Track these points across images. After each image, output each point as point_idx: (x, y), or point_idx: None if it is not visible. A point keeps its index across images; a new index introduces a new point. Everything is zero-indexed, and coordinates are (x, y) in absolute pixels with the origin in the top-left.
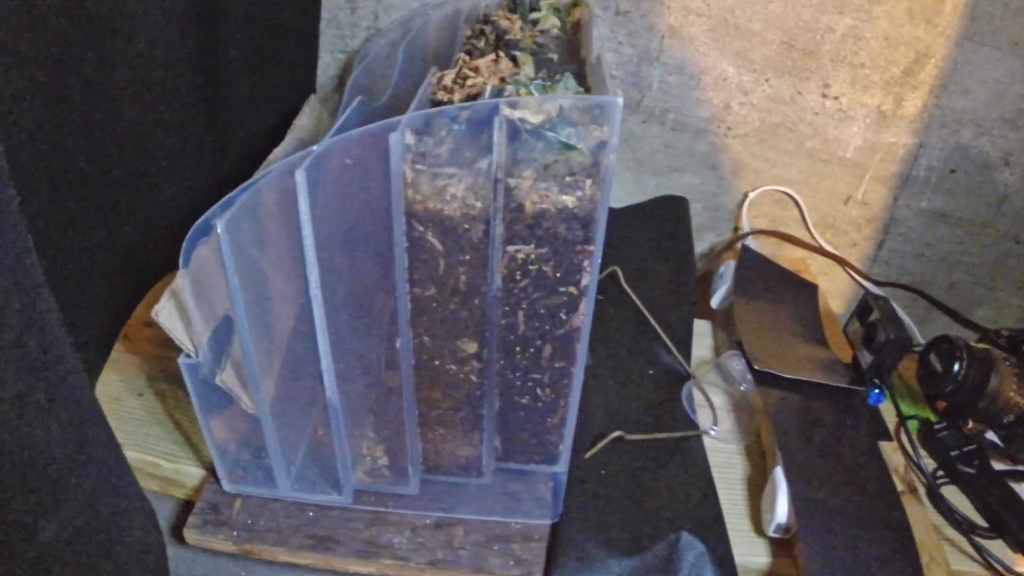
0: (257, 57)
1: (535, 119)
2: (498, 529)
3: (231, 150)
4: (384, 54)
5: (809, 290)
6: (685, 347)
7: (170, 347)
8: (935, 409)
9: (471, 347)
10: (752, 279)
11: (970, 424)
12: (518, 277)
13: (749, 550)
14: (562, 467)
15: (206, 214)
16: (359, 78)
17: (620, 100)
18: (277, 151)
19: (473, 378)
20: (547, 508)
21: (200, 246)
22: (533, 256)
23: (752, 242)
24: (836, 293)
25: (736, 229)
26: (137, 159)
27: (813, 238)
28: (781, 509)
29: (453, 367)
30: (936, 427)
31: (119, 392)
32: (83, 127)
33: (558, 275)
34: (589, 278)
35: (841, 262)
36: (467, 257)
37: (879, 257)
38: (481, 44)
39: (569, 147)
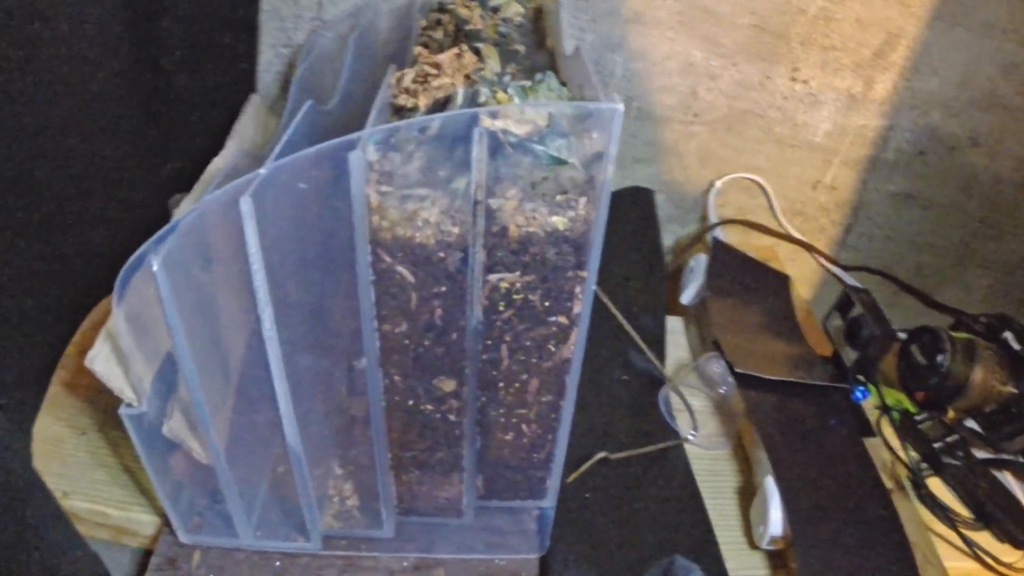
0: (192, 52)
1: (520, 130)
2: (482, 567)
3: (170, 154)
4: (331, 49)
5: (781, 281)
6: (659, 349)
7: None
8: (914, 400)
9: (448, 385)
10: (725, 274)
11: (950, 414)
12: (501, 308)
13: (743, 564)
14: (549, 501)
15: (140, 249)
16: (305, 76)
17: (621, 107)
18: (217, 161)
19: (451, 417)
20: (533, 542)
21: (136, 280)
22: (518, 285)
23: (720, 232)
24: (804, 279)
25: (703, 219)
26: (66, 168)
27: (781, 225)
28: (775, 521)
29: (429, 407)
30: (917, 418)
31: (60, 432)
32: (3, 134)
33: (546, 304)
34: (581, 306)
35: (809, 248)
36: (443, 289)
37: (847, 242)
38: (439, 36)
39: (560, 162)
